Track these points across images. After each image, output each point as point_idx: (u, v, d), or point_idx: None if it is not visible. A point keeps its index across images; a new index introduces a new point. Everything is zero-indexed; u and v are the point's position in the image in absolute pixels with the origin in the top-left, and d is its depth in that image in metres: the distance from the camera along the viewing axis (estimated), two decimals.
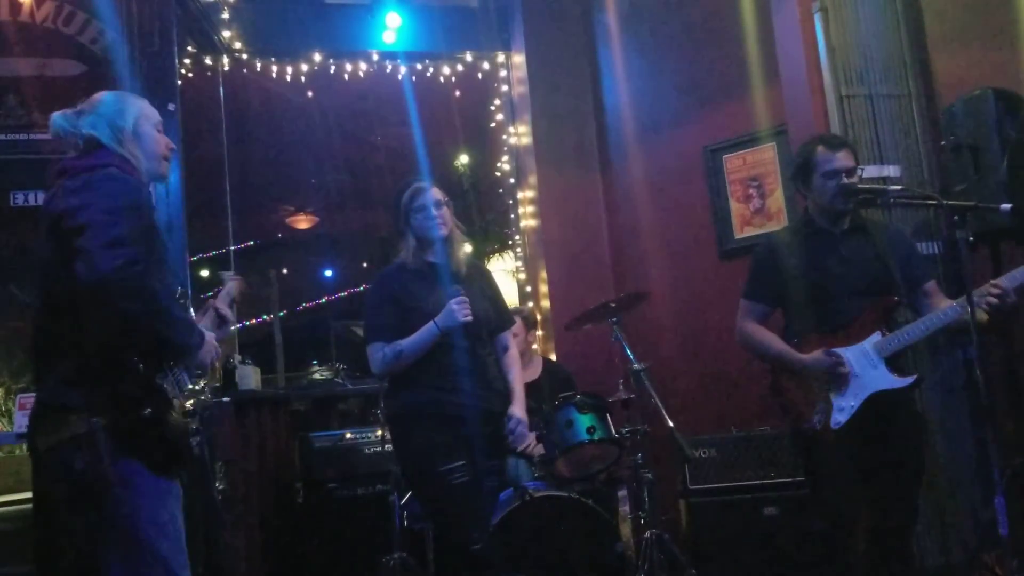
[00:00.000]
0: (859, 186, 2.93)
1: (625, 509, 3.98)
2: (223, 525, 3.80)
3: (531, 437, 3.89)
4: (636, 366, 3.71)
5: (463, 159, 7.17)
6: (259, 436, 4.53)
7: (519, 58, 5.67)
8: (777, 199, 4.73)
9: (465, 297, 2.95)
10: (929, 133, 4.02)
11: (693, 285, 4.94)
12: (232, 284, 2.59)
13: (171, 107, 4.01)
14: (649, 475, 3.74)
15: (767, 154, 4.75)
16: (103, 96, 2.30)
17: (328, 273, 10.80)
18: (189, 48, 5.22)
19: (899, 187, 3.27)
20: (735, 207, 4.88)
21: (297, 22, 5.44)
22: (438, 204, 3.04)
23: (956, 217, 2.72)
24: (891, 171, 3.91)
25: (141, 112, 2.30)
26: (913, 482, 2.92)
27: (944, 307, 2.83)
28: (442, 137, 6.43)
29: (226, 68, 5.47)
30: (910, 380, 2.84)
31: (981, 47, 3.95)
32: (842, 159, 2.92)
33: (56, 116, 2.24)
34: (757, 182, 4.80)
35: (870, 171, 3.81)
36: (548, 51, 5.58)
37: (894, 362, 2.85)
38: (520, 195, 5.73)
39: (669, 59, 5.12)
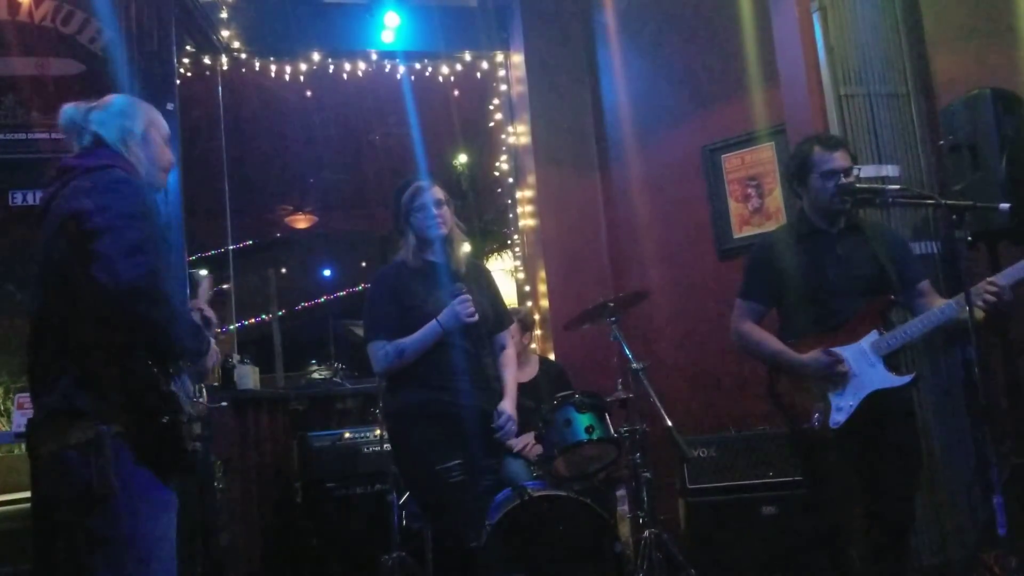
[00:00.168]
0: (857, 186, 2.93)
1: (624, 508, 3.99)
2: (222, 525, 3.80)
3: (529, 436, 3.90)
4: (635, 365, 3.71)
5: (462, 158, 7.17)
6: (258, 435, 4.54)
7: (518, 58, 5.67)
8: (776, 199, 4.73)
9: (467, 296, 2.95)
10: (927, 133, 4.02)
11: (692, 284, 4.94)
12: (207, 283, 2.59)
13: (170, 106, 3.99)
14: (648, 474, 3.74)
15: (765, 154, 4.75)
16: (115, 98, 2.29)
17: (327, 272, 10.78)
18: (188, 47, 5.21)
19: (897, 187, 3.26)
20: (733, 207, 4.88)
21: (296, 21, 5.43)
22: (438, 203, 3.04)
23: (954, 216, 2.72)
24: (889, 171, 3.91)
25: (153, 121, 2.29)
26: (911, 481, 2.93)
27: (940, 305, 2.83)
28: (441, 136, 6.42)
29: (225, 67, 5.46)
30: (908, 378, 2.85)
31: (980, 47, 3.95)
32: (839, 159, 2.93)
33: (68, 107, 2.22)
34: (756, 182, 4.80)
35: (868, 171, 3.81)
36: (547, 51, 5.58)
37: (891, 361, 2.86)
38: (519, 194, 5.73)
39: (668, 59, 5.13)
